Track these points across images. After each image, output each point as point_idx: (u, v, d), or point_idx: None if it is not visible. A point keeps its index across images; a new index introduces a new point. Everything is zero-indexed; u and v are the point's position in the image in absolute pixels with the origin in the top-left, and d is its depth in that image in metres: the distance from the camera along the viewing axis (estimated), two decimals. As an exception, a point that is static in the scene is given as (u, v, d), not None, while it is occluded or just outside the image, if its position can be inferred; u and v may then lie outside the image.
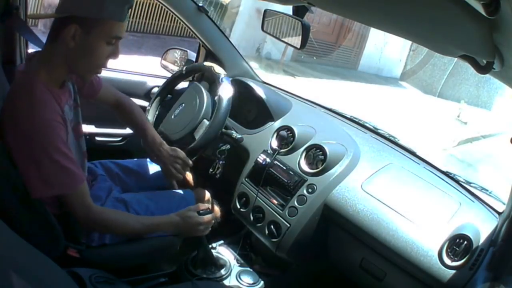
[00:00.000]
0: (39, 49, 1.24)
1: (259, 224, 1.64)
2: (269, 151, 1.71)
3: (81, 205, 1.20)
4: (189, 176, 1.88)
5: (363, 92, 9.02)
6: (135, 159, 1.78)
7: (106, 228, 1.30)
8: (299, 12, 1.33)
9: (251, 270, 1.71)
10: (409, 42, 10.63)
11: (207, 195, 1.73)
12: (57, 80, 1.19)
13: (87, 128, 1.94)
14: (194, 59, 2.09)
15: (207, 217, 1.41)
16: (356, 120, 2.02)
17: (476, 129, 9.77)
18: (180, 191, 1.70)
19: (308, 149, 1.65)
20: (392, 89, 10.82)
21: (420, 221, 1.41)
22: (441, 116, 9.80)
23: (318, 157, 1.62)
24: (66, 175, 1.15)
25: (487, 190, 1.64)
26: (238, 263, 1.74)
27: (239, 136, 1.76)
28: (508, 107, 13.31)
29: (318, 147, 1.63)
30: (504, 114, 12.77)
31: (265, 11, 1.59)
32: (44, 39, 1.23)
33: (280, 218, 1.58)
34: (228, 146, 1.76)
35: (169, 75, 1.96)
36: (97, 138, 2.00)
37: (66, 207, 1.22)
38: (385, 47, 11.53)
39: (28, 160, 1.10)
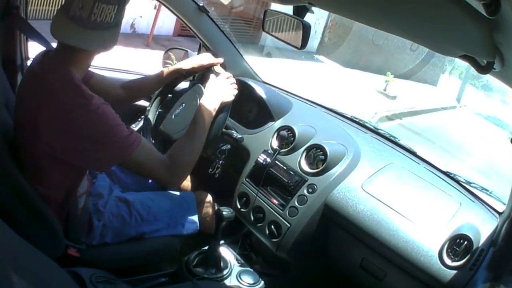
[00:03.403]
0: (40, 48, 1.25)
1: (259, 224, 1.64)
2: (269, 151, 1.71)
3: (155, 160, 1.27)
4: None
5: (269, 66, 7.68)
6: None
7: (187, 169, 1.37)
8: (299, 12, 1.33)
9: (251, 270, 1.71)
10: (325, 13, 9.63)
11: (208, 196, 1.73)
12: (83, 74, 1.25)
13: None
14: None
15: (223, 75, 1.56)
16: (357, 120, 2.02)
17: (410, 104, 9.29)
18: (181, 193, 1.70)
19: (308, 149, 1.65)
20: (305, 63, 9.58)
21: (421, 221, 1.41)
22: (363, 89, 9.06)
23: (319, 157, 1.62)
24: (130, 139, 1.21)
25: (488, 190, 1.64)
26: (238, 263, 1.74)
27: (239, 136, 1.76)
28: (453, 83, 13.48)
29: (319, 147, 1.63)
30: (449, 89, 12.92)
31: (265, 11, 1.59)
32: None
33: (281, 218, 1.58)
34: (229, 146, 1.75)
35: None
36: None
37: (144, 172, 1.30)
38: (299, 19, 10.58)
39: (98, 143, 1.18)
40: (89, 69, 1.41)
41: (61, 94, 1.14)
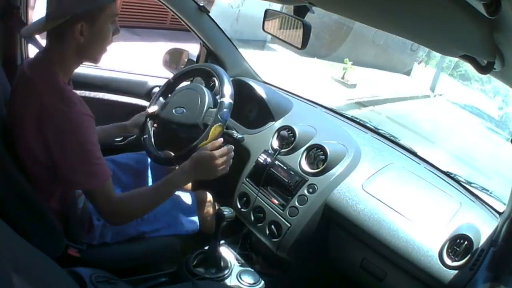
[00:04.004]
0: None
1: (259, 224, 1.63)
2: (270, 151, 1.71)
3: (107, 200, 1.22)
4: None
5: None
6: (133, 153, 1.77)
7: (130, 218, 1.31)
8: (300, 12, 1.33)
9: (251, 270, 1.71)
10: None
11: (209, 196, 1.73)
12: (69, 75, 1.24)
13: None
14: (195, 59, 2.09)
15: (221, 150, 1.37)
16: (357, 120, 2.02)
17: (372, 92, 8.81)
18: (182, 192, 1.70)
19: (309, 149, 1.66)
20: (255, 52, 8.45)
21: (421, 221, 1.41)
22: (318, 78, 8.46)
23: (319, 157, 1.62)
24: (101, 168, 1.19)
25: (488, 190, 1.64)
26: (238, 263, 1.74)
27: (240, 136, 1.76)
28: (429, 72, 13.68)
29: (319, 147, 1.63)
30: (424, 79, 13.07)
31: (266, 11, 1.59)
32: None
33: (281, 218, 1.58)
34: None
35: (170, 75, 1.95)
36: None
37: (93, 202, 1.24)
38: (244, 5, 8.98)
39: (68, 156, 1.14)
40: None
41: (44, 97, 1.13)
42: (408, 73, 13.66)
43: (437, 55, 13.61)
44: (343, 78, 9.18)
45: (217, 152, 1.37)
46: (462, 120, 11.55)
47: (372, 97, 8.75)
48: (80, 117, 1.14)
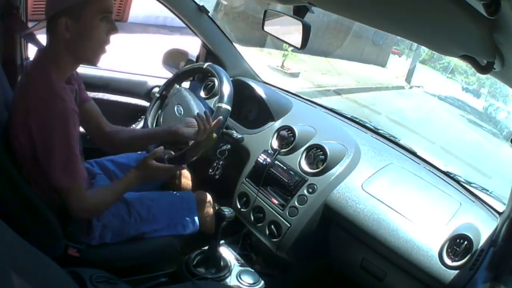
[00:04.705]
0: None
1: (259, 224, 1.64)
2: (269, 151, 1.71)
3: (79, 197, 1.25)
4: (187, 176, 1.88)
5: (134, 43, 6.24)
6: (134, 153, 1.77)
7: (96, 212, 1.36)
8: (299, 12, 1.33)
9: (251, 270, 1.71)
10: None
11: (208, 196, 1.73)
12: (65, 74, 1.24)
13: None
14: (194, 59, 2.09)
15: (163, 166, 1.44)
16: (357, 120, 2.02)
17: (321, 82, 8.28)
18: (181, 193, 1.70)
19: (308, 149, 1.66)
20: (183, 39, 6.87)
21: (421, 221, 1.41)
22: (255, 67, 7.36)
23: (319, 157, 1.62)
24: (77, 166, 1.22)
25: (488, 190, 1.64)
26: (238, 263, 1.74)
27: (239, 136, 1.76)
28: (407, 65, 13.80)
29: (319, 147, 1.63)
30: (400, 70, 13.22)
31: (265, 11, 1.59)
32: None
33: (281, 218, 1.58)
34: (229, 146, 1.75)
35: (170, 75, 1.96)
36: None
37: (66, 199, 1.24)
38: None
39: (49, 149, 1.15)
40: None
41: (34, 89, 1.16)
42: (383, 64, 13.65)
43: (413, 46, 13.65)
44: (282, 66, 8.28)
45: (160, 167, 1.43)
46: (440, 111, 11.36)
47: (317, 87, 8.15)
48: (66, 111, 1.16)
